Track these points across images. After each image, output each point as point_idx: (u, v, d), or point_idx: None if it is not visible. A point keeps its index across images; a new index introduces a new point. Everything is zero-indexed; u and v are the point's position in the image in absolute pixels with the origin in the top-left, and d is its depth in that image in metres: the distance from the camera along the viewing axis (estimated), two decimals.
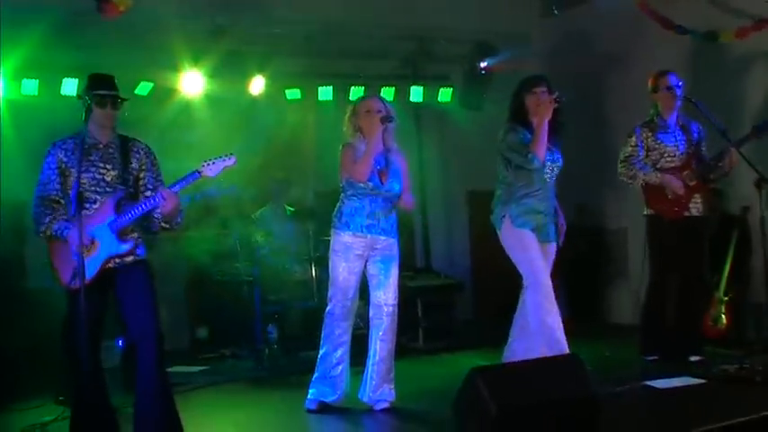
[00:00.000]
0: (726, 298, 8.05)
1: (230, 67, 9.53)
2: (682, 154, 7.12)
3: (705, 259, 7.25)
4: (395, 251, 6.21)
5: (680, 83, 7.11)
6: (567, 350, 6.07)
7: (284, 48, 9.93)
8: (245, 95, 9.80)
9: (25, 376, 7.01)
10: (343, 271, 6.10)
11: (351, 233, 6.08)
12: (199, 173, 5.10)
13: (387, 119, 6.06)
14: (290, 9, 9.81)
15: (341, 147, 6.19)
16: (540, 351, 6.04)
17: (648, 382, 6.26)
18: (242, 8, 9.51)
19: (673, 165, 7.11)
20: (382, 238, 6.12)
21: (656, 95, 7.18)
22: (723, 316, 8.02)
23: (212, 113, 9.61)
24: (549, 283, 6.24)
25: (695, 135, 7.22)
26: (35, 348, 6.97)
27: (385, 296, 6.15)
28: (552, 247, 6.49)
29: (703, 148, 7.24)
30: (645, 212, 7.25)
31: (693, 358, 7.01)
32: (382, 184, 6.07)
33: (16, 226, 7.06)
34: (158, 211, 5.13)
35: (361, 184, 6.03)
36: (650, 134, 7.15)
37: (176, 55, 9.10)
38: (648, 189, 7.14)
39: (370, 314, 6.21)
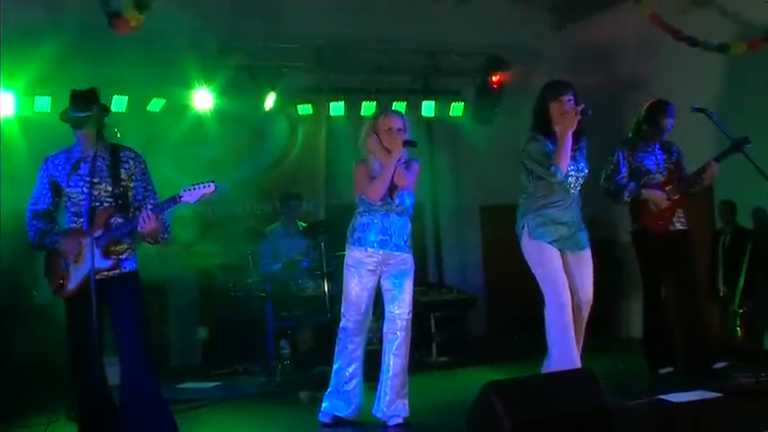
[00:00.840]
0: (741, 310, 8.01)
1: (242, 83, 9.58)
2: (663, 171, 7.20)
3: (695, 270, 7.29)
4: (409, 266, 6.16)
5: (673, 120, 7.14)
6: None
7: (295, 63, 9.97)
8: (256, 111, 9.83)
9: (37, 392, 7.00)
10: (356, 286, 6.08)
11: (363, 249, 6.04)
12: (178, 198, 5.11)
13: (410, 143, 6.01)
14: (301, 25, 9.84)
15: (354, 163, 6.16)
16: (557, 368, 5.96)
17: (663, 396, 6.19)
18: (253, 24, 9.55)
19: (655, 182, 7.18)
20: (396, 253, 6.07)
21: (650, 121, 7.19)
22: (738, 329, 7.98)
23: (224, 129, 9.66)
24: (568, 301, 6.02)
25: (674, 155, 7.29)
26: (47, 364, 6.97)
27: (399, 310, 6.10)
28: (586, 254, 6.26)
29: (684, 166, 7.29)
30: (630, 228, 7.34)
31: (719, 365, 6.96)
32: (392, 199, 6.05)
33: (27, 242, 7.09)
34: (139, 229, 5.14)
35: (373, 201, 6.03)
36: (631, 153, 7.24)
37: (188, 71, 9.14)
38: (633, 205, 7.24)
39: (384, 329, 6.18)
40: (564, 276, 6.08)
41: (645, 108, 7.27)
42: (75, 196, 5.17)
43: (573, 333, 6.04)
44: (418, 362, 8.67)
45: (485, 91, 10.75)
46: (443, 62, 10.69)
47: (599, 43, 10.62)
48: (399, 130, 6.01)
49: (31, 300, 7.99)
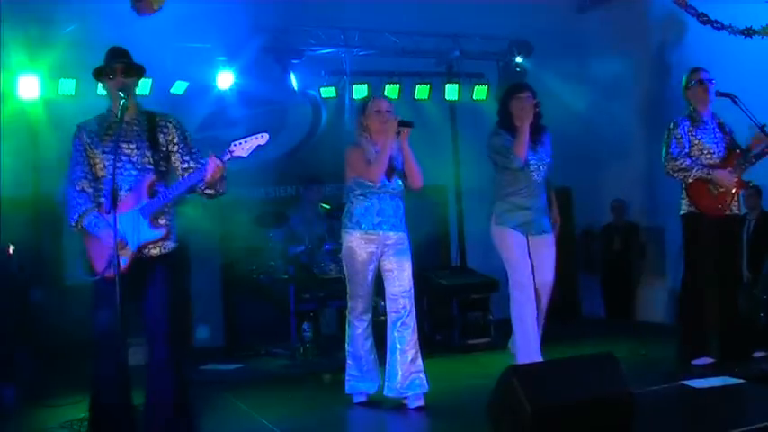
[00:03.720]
0: (765, 296, 7.96)
1: (265, 66, 9.58)
2: (722, 151, 6.92)
3: (740, 257, 7.18)
4: (406, 244, 6.25)
5: (712, 79, 6.95)
6: (538, 347, 6.62)
7: (319, 46, 9.96)
8: (280, 94, 9.84)
9: (65, 372, 7.07)
10: (360, 269, 6.15)
11: (362, 232, 6.12)
12: (228, 153, 4.87)
13: (406, 123, 6.05)
14: (325, 7, 9.82)
15: (347, 148, 6.22)
16: (518, 345, 6.69)
17: (685, 382, 6.17)
18: (278, 6, 9.53)
19: (712, 162, 6.89)
20: (392, 233, 6.15)
21: (689, 92, 7.02)
22: (762, 315, 7.92)
23: (247, 112, 9.66)
24: (529, 281, 6.64)
25: (729, 134, 7.03)
26: (75, 344, 7.03)
27: (400, 287, 6.15)
28: (549, 238, 6.82)
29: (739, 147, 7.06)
30: (683, 211, 6.96)
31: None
32: (389, 181, 6.12)
33: (54, 222, 7.18)
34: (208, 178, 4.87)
35: (370, 184, 6.06)
36: (691, 130, 6.93)
37: (211, 53, 9.16)
38: (692, 186, 6.86)
39: (388, 308, 6.21)
40: (526, 259, 6.67)
41: (683, 82, 7.05)
42: (108, 160, 4.89)
43: (534, 311, 6.66)
44: (440, 345, 8.74)
45: (508, 74, 10.71)
46: (467, 45, 10.65)
47: (623, 26, 10.55)
48: (388, 111, 6.13)
49: (62, 280, 8.06)
